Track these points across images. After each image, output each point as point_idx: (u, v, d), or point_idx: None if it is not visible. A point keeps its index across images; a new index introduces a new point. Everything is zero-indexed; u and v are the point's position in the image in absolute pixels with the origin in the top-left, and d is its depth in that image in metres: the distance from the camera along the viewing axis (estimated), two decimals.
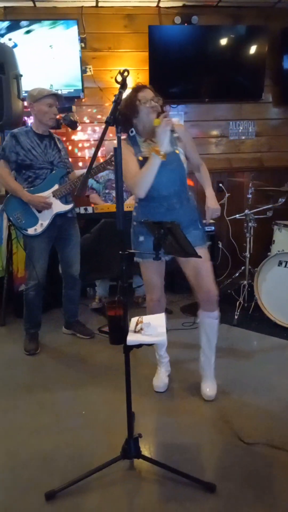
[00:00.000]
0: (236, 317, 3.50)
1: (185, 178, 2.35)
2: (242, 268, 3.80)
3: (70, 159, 3.27)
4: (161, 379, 2.60)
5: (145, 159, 2.22)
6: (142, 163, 2.23)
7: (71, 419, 2.30)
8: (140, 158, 2.26)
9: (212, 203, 2.40)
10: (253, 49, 4.37)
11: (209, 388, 2.47)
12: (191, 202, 2.40)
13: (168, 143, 2.17)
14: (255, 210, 3.74)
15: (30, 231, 2.97)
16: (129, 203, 3.73)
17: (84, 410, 2.38)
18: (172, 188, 2.29)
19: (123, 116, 2.23)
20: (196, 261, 2.34)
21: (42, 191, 2.96)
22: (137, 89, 2.29)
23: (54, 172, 3.00)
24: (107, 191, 3.97)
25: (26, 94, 3.10)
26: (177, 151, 2.28)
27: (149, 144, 2.27)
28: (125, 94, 2.24)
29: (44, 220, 2.98)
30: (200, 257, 2.10)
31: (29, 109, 3.01)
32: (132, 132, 2.31)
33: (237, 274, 3.82)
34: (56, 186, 2.99)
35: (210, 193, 2.42)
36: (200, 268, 2.38)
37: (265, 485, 1.80)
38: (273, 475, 1.85)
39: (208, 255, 2.42)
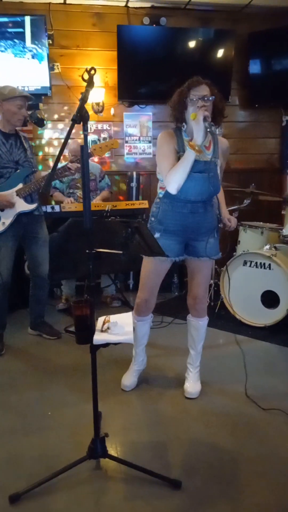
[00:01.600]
0: None
1: (218, 188, 2.29)
2: None
3: (35, 157, 3.22)
4: (130, 377, 2.60)
5: None
6: None
7: (37, 420, 2.27)
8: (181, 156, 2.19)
9: (228, 214, 2.44)
10: (220, 52, 4.45)
11: (190, 386, 2.50)
12: (214, 208, 2.36)
13: (203, 136, 2.10)
14: None
15: None
16: (96, 203, 3.72)
17: (50, 411, 2.35)
18: (201, 196, 2.23)
19: (174, 110, 2.21)
20: (196, 268, 2.39)
21: (6, 190, 2.91)
22: (191, 84, 2.17)
23: (18, 171, 2.94)
24: (71, 190, 3.95)
25: None
26: (217, 163, 2.23)
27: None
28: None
29: (6, 219, 2.92)
30: (167, 256, 2.12)
31: None
32: (184, 126, 2.23)
33: None
34: (20, 185, 2.94)
35: (225, 208, 2.47)
36: (197, 273, 2.42)
37: (230, 480, 1.83)
38: (238, 470, 1.89)
39: (211, 265, 2.43)
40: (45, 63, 4.12)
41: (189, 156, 2.11)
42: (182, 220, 2.27)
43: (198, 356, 2.55)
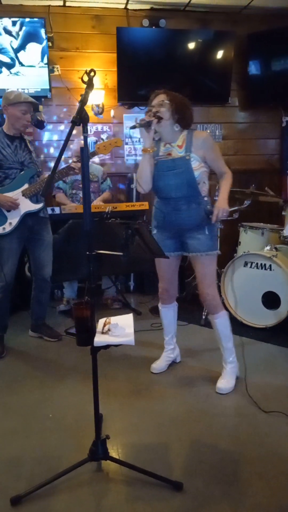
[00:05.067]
0: (203, 317, 3.54)
1: (195, 183, 2.36)
2: None
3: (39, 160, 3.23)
4: (159, 362, 2.77)
5: (160, 161, 2.38)
6: (156, 165, 2.38)
7: (38, 422, 2.27)
8: (155, 161, 2.39)
9: (220, 203, 2.39)
10: (220, 54, 4.46)
11: (219, 382, 2.54)
12: (202, 206, 2.41)
13: (147, 139, 2.30)
14: None
15: None
16: (97, 204, 3.72)
17: (51, 413, 2.35)
18: (180, 192, 2.36)
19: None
20: (194, 264, 2.51)
21: (12, 190, 2.94)
22: (151, 99, 2.38)
23: (24, 171, 2.97)
24: (74, 191, 3.95)
25: None
26: (187, 157, 2.32)
27: (167, 148, 2.40)
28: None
29: (13, 219, 2.94)
30: (166, 257, 2.13)
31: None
32: (159, 139, 2.45)
33: None
34: (25, 186, 2.96)
35: (221, 196, 2.42)
36: (198, 272, 2.51)
37: (231, 481, 1.83)
38: (240, 471, 1.89)
39: (209, 261, 2.47)
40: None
41: (142, 158, 2.38)
42: (167, 217, 2.44)
43: (227, 352, 2.57)
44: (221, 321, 2.53)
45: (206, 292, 2.50)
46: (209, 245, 2.43)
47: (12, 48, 4.06)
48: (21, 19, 4.03)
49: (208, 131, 4.73)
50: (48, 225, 3.19)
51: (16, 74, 4.11)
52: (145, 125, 2.27)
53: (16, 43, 4.06)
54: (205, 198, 2.43)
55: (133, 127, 2.30)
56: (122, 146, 4.54)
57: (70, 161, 4.17)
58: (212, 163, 2.44)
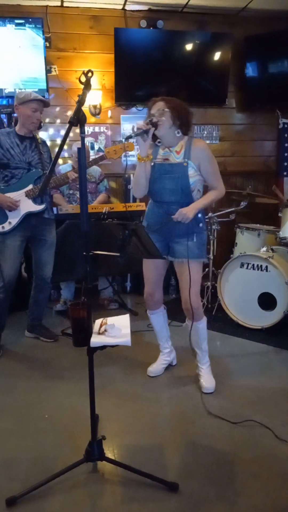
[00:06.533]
0: None
1: (189, 189, 2.36)
2: (206, 270, 3.87)
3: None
4: (156, 365, 2.75)
5: (157, 165, 2.39)
6: (153, 168, 2.39)
7: (33, 423, 2.26)
8: (152, 163, 2.41)
9: (187, 209, 2.32)
10: (217, 55, 4.47)
11: (205, 381, 2.56)
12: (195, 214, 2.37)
13: (143, 147, 2.30)
14: (218, 213, 3.82)
15: None
16: (93, 205, 3.72)
17: (47, 413, 2.35)
18: (173, 196, 2.37)
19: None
20: (179, 270, 2.48)
21: (15, 190, 2.95)
22: (149, 106, 2.39)
23: (29, 172, 2.97)
24: (71, 191, 3.95)
25: None
26: (185, 164, 2.33)
27: (166, 152, 2.40)
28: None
29: (13, 219, 2.95)
30: (163, 258, 2.13)
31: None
32: (159, 142, 2.43)
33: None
34: (30, 186, 2.97)
35: (195, 204, 2.36)
36: (181, 278, 2.49)
37: (226, 482, 1.83)
38: (235, 473, 1.89)
39: (195, 269, 2.42)
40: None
41: (138, 165, 2.38)
42: (158, 219, 2.42)
43: (205, 354, 2.61)
44: (203, 326, 2.55)
45: (193, 300, 2.46)
46: (194, 253, 2.41)
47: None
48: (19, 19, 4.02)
49: (206, 132, 4.74)
50: (53, 226, 3.20)
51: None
52: (141, 134, 2.26)
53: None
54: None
55: (129, 137, 2.32)
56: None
57: (69, 161, 4.20)
58: (206, 175, 2.40)
